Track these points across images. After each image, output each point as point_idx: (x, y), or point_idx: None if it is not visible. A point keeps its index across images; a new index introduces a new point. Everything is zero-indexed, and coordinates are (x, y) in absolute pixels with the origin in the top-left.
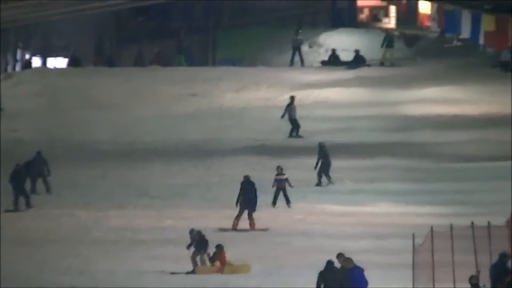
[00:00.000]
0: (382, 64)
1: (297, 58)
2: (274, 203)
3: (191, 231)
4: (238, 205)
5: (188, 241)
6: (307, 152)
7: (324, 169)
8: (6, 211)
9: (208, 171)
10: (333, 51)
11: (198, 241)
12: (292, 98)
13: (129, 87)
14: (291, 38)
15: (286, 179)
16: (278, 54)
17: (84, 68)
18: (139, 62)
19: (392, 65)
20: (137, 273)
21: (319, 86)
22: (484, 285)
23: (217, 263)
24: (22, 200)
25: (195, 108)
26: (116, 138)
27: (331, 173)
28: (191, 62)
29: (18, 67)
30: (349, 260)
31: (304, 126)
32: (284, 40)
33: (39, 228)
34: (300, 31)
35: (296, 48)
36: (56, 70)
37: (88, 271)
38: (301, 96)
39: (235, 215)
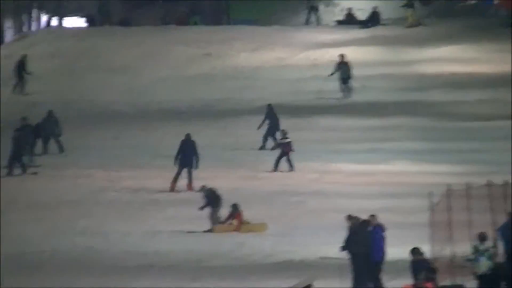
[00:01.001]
0: (410, 26)
1: (313, 18)
2: (275, 167)
3: (202, 188)
4: (177, 164)
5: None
6: (321, 111)
7: (271, 132)
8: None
9: (223, 131)
10: (349, 10)
11: (210, 197)
12: (342, 56)
13: (143, 48)
14: None
15: (289, 143)
16: (293, 15)
17: (98, 29)
18: (166, 23)
19: (418, 25)
20: (152, 233)
21: (334, 46)
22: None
23: (234, 222)
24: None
25: (210, 68)
26: (130, 99)
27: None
28: (206, 24)
29: (33, 28)
30: (373, 217)
31: (319, 86)
32: (299, 0)
33: (54, 189)
34: None
35: (312, 8)
36: (70, 31)
37: (103, 232)
38: (316, 55)
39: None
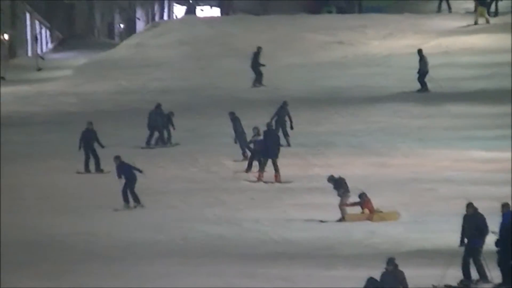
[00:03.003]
0: (475, 23)
1: (444, 5)
2: (249, 167)
3: (330, 177)
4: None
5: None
6: (451, 99)
7: (282, 130)
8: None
9: (354, 118)
10: None
11: (339, 186)
12: (420, 50)
13: (274, 35)
14: None
15: (262, 142)
16: (424, 2)
17: (230, 17)
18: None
19: (487, 23)
20: (284, 221)
21: (465, 33)
22: None
23: (366, 211)
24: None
25: (342, 56)
26: (263, 86)
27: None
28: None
29: (164, 17)
30: (507, 205)
31: (450, 73)
32: None
33: (185, 177)
34: None
35: None
36: (202, 19)
37: (235, 219)
38: (448, 43)
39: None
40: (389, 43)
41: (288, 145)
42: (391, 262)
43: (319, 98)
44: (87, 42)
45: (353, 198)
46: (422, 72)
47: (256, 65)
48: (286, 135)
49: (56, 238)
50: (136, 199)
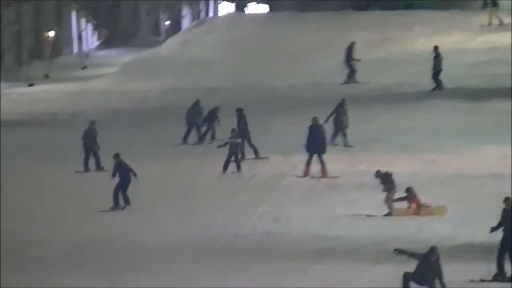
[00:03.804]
0: (489, 25)
1: (490, 1)
2: (224, 169)
3: (377, 172)
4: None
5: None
6: (498, 95)
7: (339, 129)
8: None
9: (402, 115)
10: None
11: (386, 182)
12: (436, 47)
13: (321, 33)
14: None
15: (239, 144)
16: None
17: (276, 14)
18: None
19: (500, 24)
20: (332, 218)
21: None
22: None
23: (412, 205)
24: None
25: (388, 53)
26: (309, 84)
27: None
28: (384, 9)
29: (210, 14)
30: None
31: (497, 69)
32: None
33: (232, 175)
34: None
35: None
36: (248, 17)
37: (283, 216)
38: (494, 39)
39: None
40: (436, 39)
41: (345, 145)
42: (433, 250)
43: (366, 95)
44: (132, 40)
45: (400, 194)
46: (437, 70)
47: (349, 60)
48: (344, 135)
49: (97, 237)
50: (127, 200)
